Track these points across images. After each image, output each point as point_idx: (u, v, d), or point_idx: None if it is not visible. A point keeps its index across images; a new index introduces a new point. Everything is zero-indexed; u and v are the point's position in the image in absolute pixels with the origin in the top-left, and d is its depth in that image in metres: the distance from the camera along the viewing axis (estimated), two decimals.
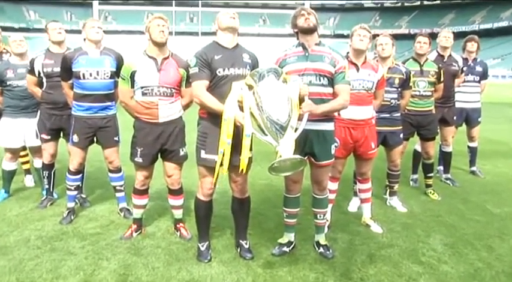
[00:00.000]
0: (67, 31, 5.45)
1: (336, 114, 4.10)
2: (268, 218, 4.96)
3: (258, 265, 3.88)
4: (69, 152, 4.91)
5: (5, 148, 5.56)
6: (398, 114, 5.12)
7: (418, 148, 6.31)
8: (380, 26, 73.75)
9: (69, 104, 4.80)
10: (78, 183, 4.98)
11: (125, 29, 71.08)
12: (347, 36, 5.00)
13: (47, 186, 5.36)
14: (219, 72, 3.71)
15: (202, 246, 4.04)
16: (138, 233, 4.45)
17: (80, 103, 4.62)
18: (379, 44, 4.98)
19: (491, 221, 5.03)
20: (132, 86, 4.12)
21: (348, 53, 4.58)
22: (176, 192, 4.46)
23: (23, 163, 6.21)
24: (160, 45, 4.07)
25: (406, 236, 4.55)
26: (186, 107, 4.32)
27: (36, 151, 5.55)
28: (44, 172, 5.33)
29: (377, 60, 5.01)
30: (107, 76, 4.63)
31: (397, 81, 5.00)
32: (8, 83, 5.30)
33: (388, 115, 5.01)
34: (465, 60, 6.65)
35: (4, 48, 5.96)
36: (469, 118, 6.83)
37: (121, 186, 5.05)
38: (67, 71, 4.62)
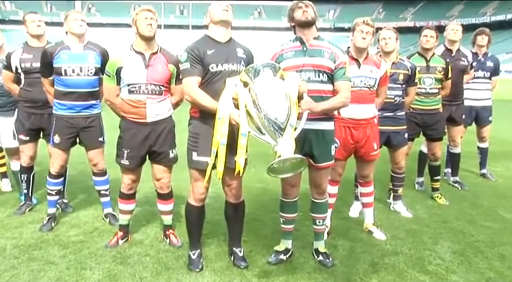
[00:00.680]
0: (47, 23, 5.44)
1: (335, 113, 4.14)
2: (264, 224, 4.99)
3: (253, 274, 3.90)
4: (50, 154, 4.93)
5: None
6: (403, 113, 5.16)
7: (424, 149, 6.36)
8: (383, 18, 74.05)
9: (49, 102, 4.81)
10: (60, 187, 4.99)
11: (110, 21, 71.02)
12: (348, 30, 5.04)
13: (25, 191, 5.36)
14: (211, 68, 3.73)
15: (194, 254, 4.06)
16: (124, 240, 4.47)
17: (62, 101, 4.63)
18: (382, 38, 5.02)
19: (503, 227, 5.07)
20: (118, 84, 4.14)
21: (348, 47, 4.62)
22: (165, 197, 4.48)
23: None
24: (148, 40, 4.10)
25: (411, 243, 4.58)
26: (175, 105, 4.35)
27: (14, 153, 5.56)
28: (22, 176, 5.34)
29: (380, 55, 5.05)
30: (91, 73, 4.64)
31: (401, 77, 5.05)
32: None
33: (391, 114, 5.05)
34: (475, 54, 6.68)
35: None
36: (479, 117, 6.87)
37: (106, 190, 5.06)
38: (47, 67, 4.62)
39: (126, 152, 4.22)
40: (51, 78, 4.67)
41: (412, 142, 5.72)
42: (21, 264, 4.00)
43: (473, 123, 6.93)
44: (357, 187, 5.11)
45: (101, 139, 4.84)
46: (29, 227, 4.82)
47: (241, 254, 4.10)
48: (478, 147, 7.18)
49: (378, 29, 4.82)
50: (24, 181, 5.33)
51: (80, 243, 4.43)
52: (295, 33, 3.94)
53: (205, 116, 3.72)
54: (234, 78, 3.62)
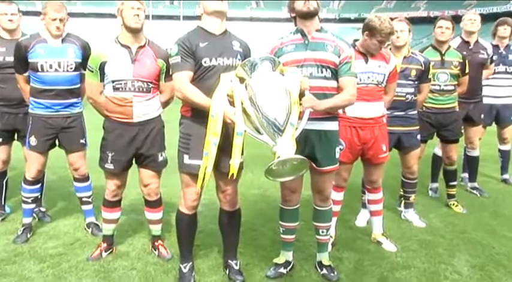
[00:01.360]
0: (22, 13, 5.36)
1: (340, 111, 4.17)
2: (262, 233, 5.03)
3: None
4: (26, 158, 4.94)
5: None
6: (415, 112, 5.19)
7: (439, 152, 6.39)
8: (394, 8, 74.01)
9: (25, 100, 4.82)
10: (37, 194, 5.01)
11: (92, 11, 70.78)
12: (354, 21, 5.09)
13: None
14: (204, 62, 3.75)
15: (185, 267, 4.07)
16: (108, 252, 4.49)
17: (39, 100, 4.65)
18: (394, 29, 5.02)
19: None
20: (102, 80, 4.17)
21: (355, 40, 4.65)
22: (154, 204, 4.50)
23: None
24: (135, 32, 4.13)
25: (425, 255, 4.60)
26: (165, 104, 4.38)
27: None
28: None
29: (390, 49, 5.08)
30: (71, 68, 4.66)
31: (413, 73, 5.08)
32: None
33: (402, 113, 5.09)
34: (496, 47, 6.68)
35: None
36: (500, 116, 6.89)
37: (88, 197, 5.08)
38: (22, 62, 4.63)
39: (110, 155, 4.24)
40: (26, 74, 4.68)
41: (425, 144, 5.75)
42: None
43: (494, 123, 6.95)
44: (364, 193, 5.13)
45: (82, 141, 4.87)
46: (1, 238, 4.83)
47: (237, 267, 4.12)
48: (499, 150, 7.21)
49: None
50: None
51: (59, 256, 4.44)
52: (295, 25, 3.96)
53: (197, 115, 3.74)
54: (229, 73, 3.65)
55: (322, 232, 4.22)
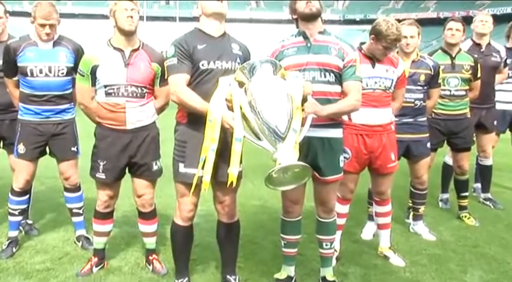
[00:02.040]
0: (9, 13, 5.32)
1: (345, 118, 4.20)
2: (262, 247, 5.03)
3: None
4: (12, 167, 4.95)
5: None
6: (425, 119, 5.22)
7: (449, 161, 6.39)
8: (401, 8, 74.21)
9: (15, 106, 4.84)
10: (24, 206, 5.00)
11: (82, 11, 70.96)
12: (360, 22, 5.11)
13: None
14: (202, 65, 3.77)
15: None
16: (99, 267, 4.48)
17: (28, 105, 4.66)
18: (402, 36, 5.02)
19: None
20: (93, 84, 4.18)
21: (361, 43, 4.68)
22: (148, 216, 4.50)
23: None
24: (129, 35, 4.14)
25: (435, 270, 4.60)
26: (160, 110, 4.39)
27: None
28: None
29: (397, 52, 5.10)
30: (62, 73, 4.67)
31: (422, 78, 5.10)
32: None
33: (411, 120, 5.11)
34: (510, 50, 6.66)
35: None
36: None
37: (79, 208, 5.08)
38: (11, 66, 4.65)
39: (102, 163, 4.25)
40: (15, 78, 4.70)
41: (435, 152, 5.75)
42: None
43: (508, 130, 6.95)
44: (371, 205, 5.14)
45: (74, 149, 4.88)
46: None
47: None
48: None
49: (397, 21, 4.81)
50: None
51: (47, 272, 4.43)
52: (297, 27, 3.99)
53: (193, 121, 3.76)
54: (228, 77, 3.67)
55: (326, 245, 4.22)
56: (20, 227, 5.13)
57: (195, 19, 4.02)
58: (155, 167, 4.36)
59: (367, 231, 5.42)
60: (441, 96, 5.55)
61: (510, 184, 7.39)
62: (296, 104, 3.49)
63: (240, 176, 3.83)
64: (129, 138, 4.22)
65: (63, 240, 5.14)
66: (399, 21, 5.02)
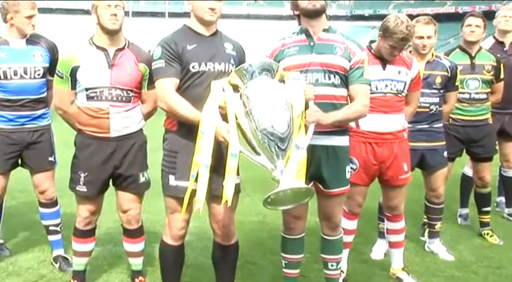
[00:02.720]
0: None
1: (352, 125, 4.22)
2: (262, 267, 5.04)
3: None
4: None
5: None
6: (441, 125, 5.24)
7: (469, 172, 6.39)
8: (416, 3, 74.26)
9: None
10: None
11: (61, 6, 71.02)
12: (368, 18, 5.12)
13: None
14: (193, 67, 3.79)
15: None
16: None
17: (1, 112, 4.67)
18: (418, 36, 5.01)
19: None
20: (73, 87, 4.19)
21: (371, 42, 4.70)
22: (134, 234, 4.50)
23: None
24: (112, 34, 4.14)
25: None
26: (148, 115, 4.40)
27: None
28: None
29: (410, 51, 5.13)
30: (39, 74, 4.69)
31: (438, 80, 5.12)
32: None
33: (426, 126, 5.14)
34: None
35: None
36: None
37: (56, 225, 5.07)
38: None
39: (83, 175, 4.24)
40: None
41: (452, 163, 5.76)
42: None
43: None
44: (382, 221, 5.15)
45: (51, 158, 4.89)
46: None
47: None
48: None
49: (411, 17, 4.77)
50: None
51: None
52: (300, 24, 4.02)
53: (184, 128, 3.77)
54: (221, 80, 3.69)
55: (332, 266, 4.23)
56: None
57: (186, 15, 4.03)
58: (142, 179, 4.36)
59: (378, 250, 5.42)
60: (459, 100, 5.57)
61: None
62: (297, 112, 3.52)
63: (237, 190, 3.80)
64: (113, 147, 4.22)
65: (39, 262, 5.12)
66: (413, 17, 5.05)
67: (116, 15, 4.06)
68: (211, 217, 4.02)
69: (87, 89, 4.13)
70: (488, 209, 6.13)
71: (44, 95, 4.78)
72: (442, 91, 5.18)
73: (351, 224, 4.75)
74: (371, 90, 4.11)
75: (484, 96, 5.75)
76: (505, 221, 6.60)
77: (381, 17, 4.88)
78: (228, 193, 3.59)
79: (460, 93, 5.49)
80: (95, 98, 4.13)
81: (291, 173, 3.42)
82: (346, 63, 3.89)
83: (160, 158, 3.92)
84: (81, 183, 4.26)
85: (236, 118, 3.51)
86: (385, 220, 4.95)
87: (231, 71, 3.80)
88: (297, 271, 4.28)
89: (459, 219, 6.53)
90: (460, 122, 5.72)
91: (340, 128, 3.94)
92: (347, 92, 3.92)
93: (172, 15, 67.28)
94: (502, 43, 6.31)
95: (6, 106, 4.66)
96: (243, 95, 3.52)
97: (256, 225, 6.16)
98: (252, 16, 77.16)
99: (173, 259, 4.07)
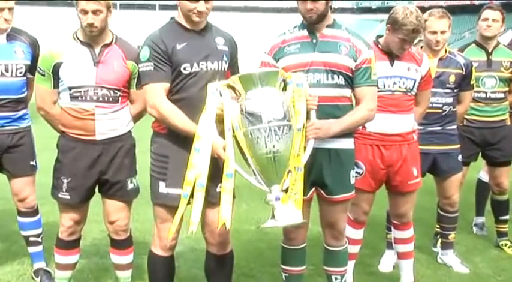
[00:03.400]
0: None
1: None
2: (260, 280, 5.07)
3: None
4: None
5: None
6: (455, 127, 5.27)
7: (485, 177, 6.42)
8: None
9: None
10: None
11: None
12: (376, 11, 5.12)
13: None
14: (184, 68, 3.80)
15: None
16: None
17: None
18: (431, 30, 5.03)
19: None
20: (56, 86, 4.20)
21: (378, 37, 4.73)
22: (122, 245, 4.51)
23: None
24: (95, 35, 4.11)
25: None
26: (137, 117, 4.41)
27: None
28: None
29: (421, 47, 5.15)
30: (21, 72, 4.71)
31: (452, 78, 5.14)
32: None
33: (439, 128, 5.17)
34: None
35: None
36: None
37: (37, 236, 5.07)
38: None
39: (66, 181, 4.25)
40: None
41: (467, 167, 5.76)
42: None
43: None
44: (390, 230, 5.15)
45: (32, 163, 4.90)
46: None
47: None
48: None
49: (423, 10, 4.77)
50: None
51: None
52: (302, 19, 4.01)
53: (176, 131, 3.79)
54: (218, 83, 3.69)
55: (336, 279, 4.25)
56: None
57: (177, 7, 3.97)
58: (130, 186, 4.36)
59: (386, 262, 5.44)
60: (475, 100, 5.58)
61: None
62: (298, 127, 3.57)
63: (233, 196, 3.83)
64: (99, 151, 4.23)
65: (18, 275, 5.13)
66: (425, 10, 5.05)
67: (92, 24, 4.00)
68: (205, 226, 4.03)
69: (70, 88, 4.13)
70: (507, 217, 6.15)
71: (25, 94, 4.80)
72: (456, 90, 5.20)
73: (357, 234, 4.78)
74: (378, 88, 4.14)
75: (502, 95, 5.76)
76: None
77: (389, 10, 4.87)
78: (224, 215, 3.63)
79: (475, 92, 5.51)
80: (79, 98, 4.13)
81: (288, 208, 3.51)
82: (351, 62, 3.91)
83: (150, 163, 3.93)
84: (64, 189, 4.26)
85: (233, 131, 3.55)
86: (393, 229, 4.97)
87: (224, 69, 3.86)
88: None
89: (475, 229, 6.55)
90: (475, 123, 5.73)
91: None
92: (350, 92, 3.95)
93: (163, 7, 67.16)
94: None
95: None
96: (242, 106, 3.53)
97: (254, 235, 6.17)
98: (249, 8, 77.01)
99: (163, 271, 4.09)
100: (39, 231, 5.08)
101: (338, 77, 3.90)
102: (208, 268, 4.18)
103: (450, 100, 5.17)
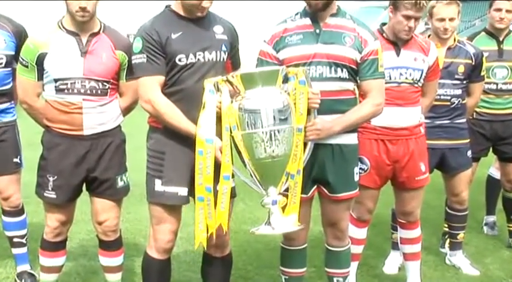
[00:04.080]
0: None
1: None
2: None
3: None
4: None
5: None
6: (464, 121, 5.28)
7: (496, 173, 6.43)
8: None
9: None
10: None
11: None
12: None
13: None
14: (179, 60, 3.79)
15: None
16: None
17: None
18: (438, 18, 5.03)
19: None
20: (40, 78, 4.19)
21: (382, 24, 4.72)
22: (112, 246, 4.51)
23: None
24: (83, 23, 4.11)
25: None
26: (127, 110, 4.42)
27: None
28: None
29: (428, 36, 5.16)
30: (1, 63, 4.70)
31: (461, 69, 5.15)
32: None
33: (447, 122, 5.18)
34: None
35: None
36: None
37: (22, 237, 5.08)
38: None
39: (51, 179, 4.25)
40: None
41: (477, 163, 5.77)
42: None
43: None
44: (396, 230, 5.16)
45: (16, 160, 4.89)
46: None
47: None
48: None
49: None
50: None
51: None
52: (306, 6, 3.98)
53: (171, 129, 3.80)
54: (215, 79, 3.69)
55: (338, 281, 4.27)
56: None
57: None
58: (120, 184, 4.37)
59: (391, 264, 5.44)
60: (485, 92, 5.59)
61: None
62: (298, 127, 3.60)
63: (233, 194, 3.85)
64: (86, 147, 4.22)
65: (1, 279, 5.13)
66: None
67: (85, 8, 4.01)
68: None
69: (56, 80, 4.12)
70: None
71: (9, 86, 4.78)
72: (465, 82, 5.20)
73: (360, 233, 4.79)
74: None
75: None
76: None
77: None
78: (222, 218, 3.66)
79: (486, 83, 5.52)
80: (66, 91, 4.13)
81: (284, 214, 3.56)
82: (357, 54, 3.89)
83: (142, 159, 3.93)
84: (50, 188, 4.25)
85: (230, 130, 3.56)
86: (399, 228, 4.97)
87: (223, 60, 3.85)
88: None
89: (485, 228, 6.56)
90: (485, 116, 5.74)
91: None
92: (353, 85, 3.95)
93: None
94: None
95: None
96: (241, 105, 3.54)
97: (251, 235, 6.07)
98: None
99: (158, 275, 4.08)
100: (24, 232, 5.08)
101: (342, 70, 3.89)
102: (205, 271, 4.19)
103: (459, 92, 5.18)
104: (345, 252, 4.24)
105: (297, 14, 4.03)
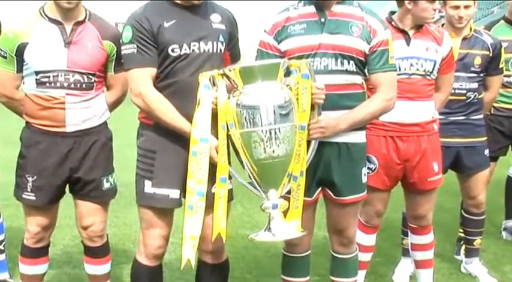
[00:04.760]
0: None
1: None
2: None
3: None
4: None
5: None
6: (481, 117, 5.27)
7: None
8: None
9: None
10: None
11: None
12: None
13: None
14: (172, 50, 3.77)
15: None
16: None
17: None
18: (452, 5, 5.00)
19: None
20: (20, 70, 4.18)
21: (391, 13, 4.71)
22: (98, 253, 4.50)
23: None
24: (68, 10, 4.08)
25: None
26: (114, 105, 4.42)
27: None
28: None
29: (442, 25, 5.14)
30: None
31: (477, 61, 5.14)
32: None
33: (463, 118, 5.16)
34: None
35: None
36: None
37: None
38: None
39: (31, 179, 4.23)
40: None
41: (495, 163, 5.78)
42: None
43: None
44: (407, 236, 5.13)
45: None
46: None
47: None
48: None
49: None
50: None
51: None
52: None
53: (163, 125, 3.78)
54: (211, 73, 3.68)
55: None
56: None
57: None
58: (106, 185, 4.36)
59: (402, 272, 5.44)
60: (504, 85, 5.60)
61: None
62: (301, 125, 3.59)
63: (230, 197, 3.85)
64: (69, 145, 4.21)
65: None
66: None
67: None
68: None
69: (37, 73, 4.11)
70: None
71: None
72: (481, 75, 5.19)
73: (369, 240, 4.79)
74: None
75: None
76: None
77: None
78: (220, 225, 3.69)
79: (505, 76, 5.53)
80: (47, 84, 4.11)
81: (286, 219, 3.57)
82: (365, 45, 3.85)
83: (129, 159, 3.93)
84: (29, 189, 4.24)
85: (227, 128, 3.56)
86: (410, 233, 4.96)
87: (221, 51, 3.84)
88: None
89: (504, 234, 6.57)
90: (504, 111, 5.77)
91: None
92: (361, 79, 3.92)
93: None
94: None
95: None
96: (239, 101, 3.52)
97: (250, 241, 6.15)
98: None
99: None
100: (1, 237, 5.08)
101: (349, 62, 3.84)
102: (200, 279, 4.17)
103: (475, 86, 5.16)
104: (352, 260, 4.22)
105: (300, 1, 3.98)
